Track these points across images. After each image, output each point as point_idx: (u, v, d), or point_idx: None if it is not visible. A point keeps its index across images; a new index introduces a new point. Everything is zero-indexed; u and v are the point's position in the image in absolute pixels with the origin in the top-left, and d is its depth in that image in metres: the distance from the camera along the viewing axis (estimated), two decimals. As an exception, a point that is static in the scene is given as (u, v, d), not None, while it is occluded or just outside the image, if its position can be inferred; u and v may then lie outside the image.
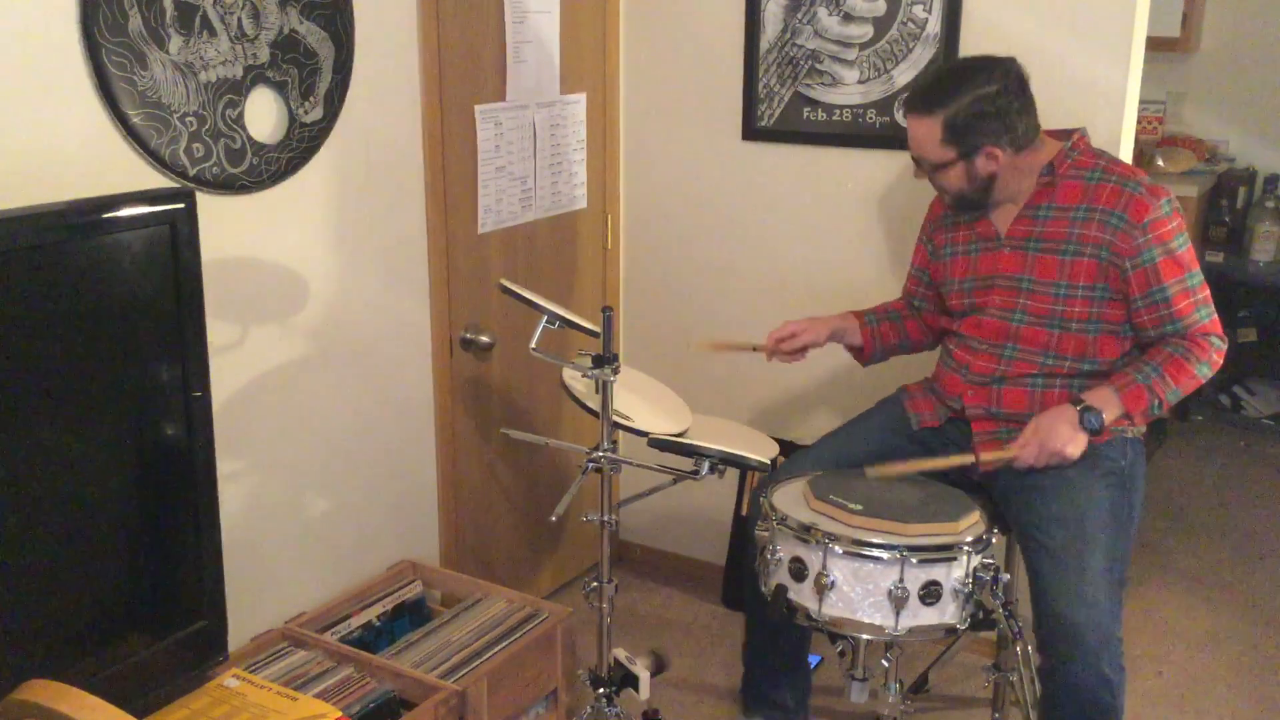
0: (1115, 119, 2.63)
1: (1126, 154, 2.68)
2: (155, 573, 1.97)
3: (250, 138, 2.25)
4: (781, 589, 2.14)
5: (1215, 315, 2.26)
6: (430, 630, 2.53)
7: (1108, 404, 2.19)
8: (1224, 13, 4.79)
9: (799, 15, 2.97)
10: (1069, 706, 2.14)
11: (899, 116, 2.89)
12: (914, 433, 2.49)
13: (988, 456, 2.28)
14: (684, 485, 2.30)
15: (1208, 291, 2.26)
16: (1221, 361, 2.25)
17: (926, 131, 2.25)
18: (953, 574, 2.06)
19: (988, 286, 2.38)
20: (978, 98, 2.21)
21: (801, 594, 2.11)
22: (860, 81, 2.92)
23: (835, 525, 2.10)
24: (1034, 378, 2.33)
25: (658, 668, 2.42)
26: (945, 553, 2.06)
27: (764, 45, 3.03)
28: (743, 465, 2.17)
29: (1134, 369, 2.24)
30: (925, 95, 2.27)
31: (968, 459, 2.29)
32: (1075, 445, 2.18)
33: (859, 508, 2.12)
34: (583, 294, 3.27)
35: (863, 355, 2.62)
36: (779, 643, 2.58)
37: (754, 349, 2.60)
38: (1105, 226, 2.24)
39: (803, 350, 2.56)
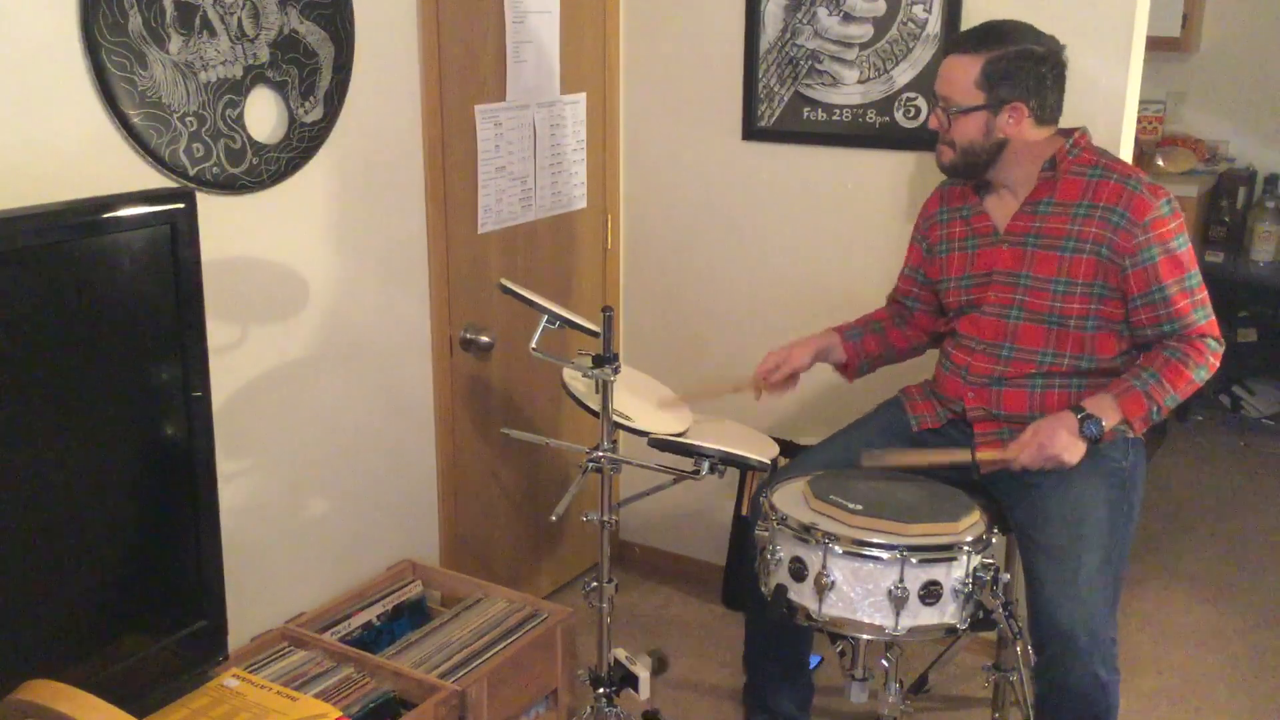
0: (1115, 119, 2.63)
1: (1127, 154, 2.68)
2: (155, 573, 1.97)
3: (250, 138, 2.25)
4: (781, 589, 2.14)
5: (1213, 317, 2.26)
6: (430, 630, 2.53)
7: (1107, 411, 2.19)
8: (1224, 13, 4.80)
9: (799, 15, 2.97)
10: (1062, 705, 2.14)
11: (899, 116, 2.89)
12: (914, 435, 2.48)
13: (985, 456, 2.28)
14: (684, 485, 2.30)
15: (1206, 293, 2.26)
16: (1218, 364, 2.25)
17: (964, 70, 2.25)
18: (953, 574, 2.06)
19: (985, 283, 2.38)
20: (1024, 52, 2.23)
21: (801, 594, 2.11)
22: (860, 81, 2.92)
23: (835, 525, 2.10)
24: (1033, 378, 2.33)
25: (659, 668, 2.43)
26: (945, 553, 2.05)
27: (764, 45, 3.03)
28: (743, 465, 2.17)
29: (1132, 375, 2.24)
30: (974, 36, 2.30)
31: (965, 456, 2.29)
32: (1073, 452, 2.18)
33: (859, 508, 2.12)
34: (583, 294, 3.27)
35: (847, 371, 2.61)
36: (779, 649, 2.58)
37: (735, 390, 2.55)
38: (1106, 224, 2.24)
39: (792, 378, 2.53)
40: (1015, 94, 2.24)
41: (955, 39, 2.32)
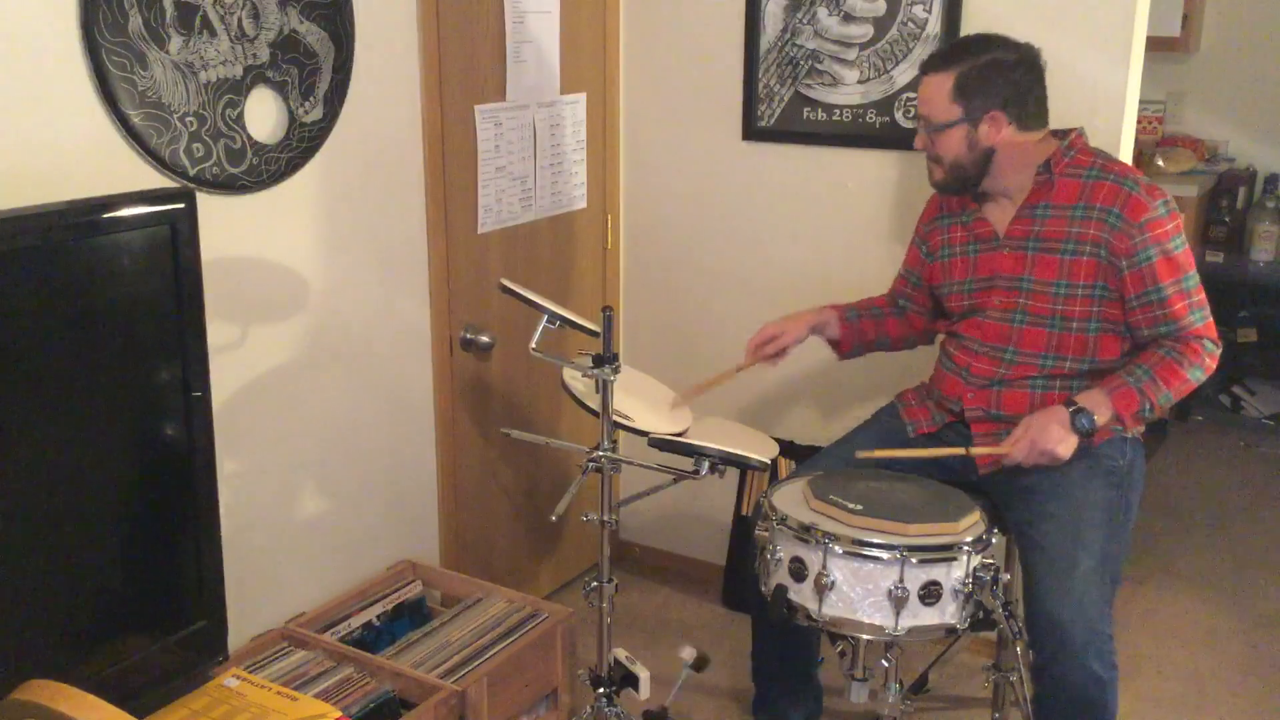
0: (1115, 119, 2.63)
1: (1126, 154, 2.68)
2: (155, 573, 1.97)
3: (250, 138, 2.26)
4: (781, 589, 2.14)
5: (1210, 319, 2.26)
6: (430, 630, 2.53)
7: (1099, 406, 2.20)
8: (1224, 13, 4.80)
9: (799, 15, 2.97)
10: (1059, 703, 2.14)
11: (899, 116, 2.89)
12: (910, 440, 2.48)
13: (979, 450, 2.30)
14: (684, 485, 2.30)
15: (1204, 295, 2.26)
16: (1215, 366, 2.25)
17: (938, 86, 2.27)
18: (953, 574, 2.06)
19: (988, 287, 2.38)
20: (994, 61, 2.25)
21: (801, 594, 2.11)
22: (860, 81, 2.92)
23: (835, 525, 2.10)
24: (1034, 380, 2.33)
25: (699, 665, 2.46)
26: (945, 553, 2.05)
27: (764, 45, 3.03)
28: (743, 465, 2.17)
29: (1125, 372, 2.24)
30: (944, 53, 2.33)
31: (958, 450, 2.31)
32: (1066, 446, 2.19)
33: (859, 508, 2.12)
34: (583, 294, 3.27)
35: (840, 349, 2.63)
36: (787, 660, 2.59)
37: (738, 370, 2.58)
38: (1103, 225, 2.24)
39: (782, 351, 2.56)
40: (991, 103, 2.25)
41: (927, 60, 2.34)
